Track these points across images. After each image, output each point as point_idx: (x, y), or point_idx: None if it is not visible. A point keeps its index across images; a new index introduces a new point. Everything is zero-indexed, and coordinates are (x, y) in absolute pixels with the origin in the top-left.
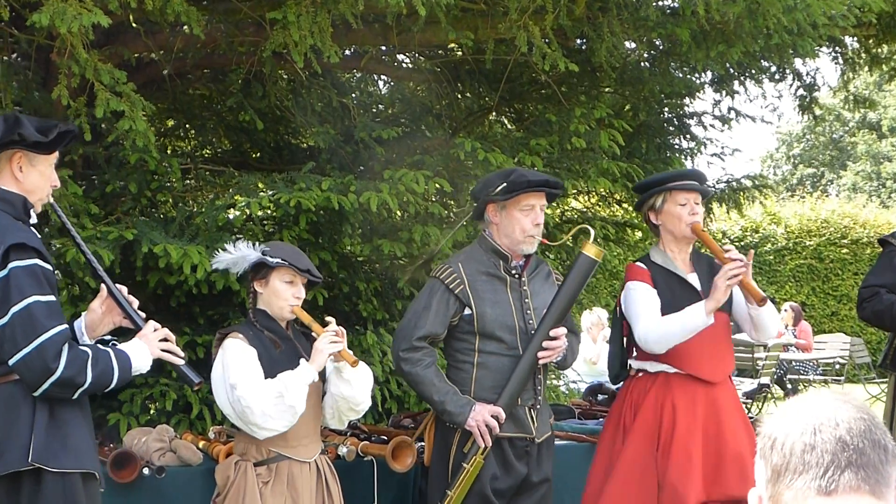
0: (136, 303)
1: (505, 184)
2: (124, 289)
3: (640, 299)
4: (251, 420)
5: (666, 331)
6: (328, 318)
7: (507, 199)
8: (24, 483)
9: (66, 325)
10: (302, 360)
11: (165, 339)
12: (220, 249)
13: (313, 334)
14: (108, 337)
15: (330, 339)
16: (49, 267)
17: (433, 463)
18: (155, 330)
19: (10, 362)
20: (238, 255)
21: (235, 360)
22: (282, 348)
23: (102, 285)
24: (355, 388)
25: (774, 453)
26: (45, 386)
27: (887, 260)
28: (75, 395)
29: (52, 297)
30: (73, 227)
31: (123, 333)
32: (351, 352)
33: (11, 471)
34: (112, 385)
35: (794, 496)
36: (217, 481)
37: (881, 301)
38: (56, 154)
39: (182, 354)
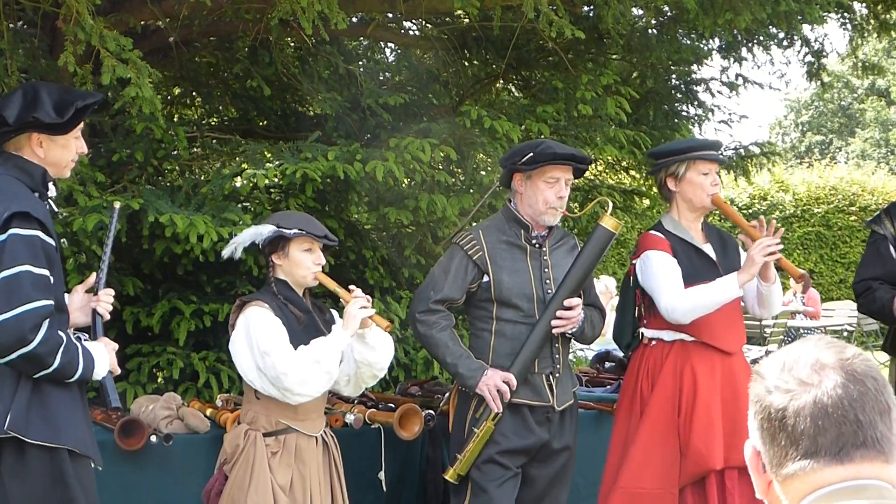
0: (107, 317)
1: (531, 154)
2: (109, 306)
3: (662, 269)
4: (286, 386)
5: (696, 303)
6: (351, 287)
7: (533, 170)
8: (4, 452)
9: (51, 302)
10: (335, 327)
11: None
12: (228, 235)
13: (341, 301)
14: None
15: (361, 304)
16: (51, 241)
17: (453, 429)
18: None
19: None
20: (251, 232)
21: (264, 327)
22: (304, 323)
23: (93, 275)
24: (379, 353)
25: (786, 417)
26: (13, 356)
27: (874, 249)
28: (36, 375)
29: (44, 272)
30: (111, 240)
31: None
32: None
33: None
34: (72, 379)
35: (805, 463)
36: (226, 449)
37: (874, 300)
38: (80, 125)
39: (118, 372)
